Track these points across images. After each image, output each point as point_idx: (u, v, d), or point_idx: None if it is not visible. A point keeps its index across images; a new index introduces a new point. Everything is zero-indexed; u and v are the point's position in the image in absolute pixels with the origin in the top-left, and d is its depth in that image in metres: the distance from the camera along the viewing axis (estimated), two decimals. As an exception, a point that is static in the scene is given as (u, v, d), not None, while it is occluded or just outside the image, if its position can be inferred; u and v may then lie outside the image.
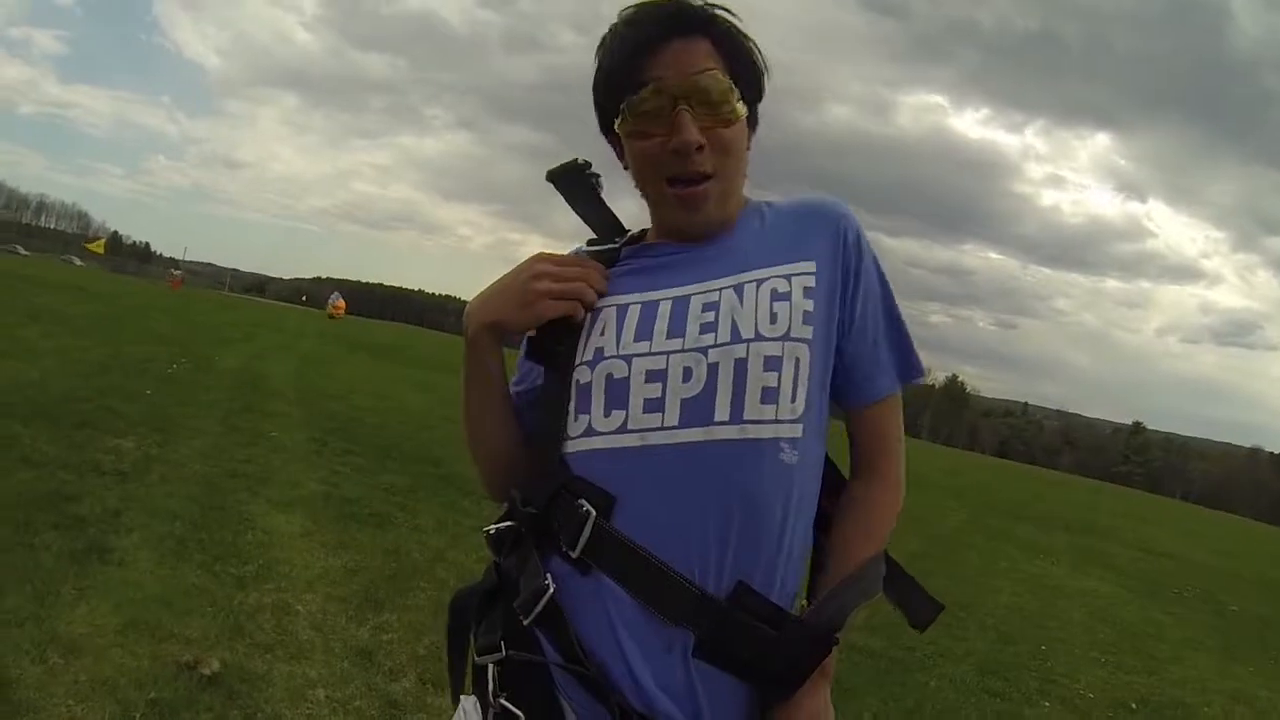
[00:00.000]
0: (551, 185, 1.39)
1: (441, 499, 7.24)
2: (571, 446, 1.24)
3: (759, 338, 1.20)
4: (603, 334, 1.26)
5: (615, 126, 1.30)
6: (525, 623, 1.18)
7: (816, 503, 1.27)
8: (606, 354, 1.24)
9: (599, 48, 1.31)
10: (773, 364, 1.19)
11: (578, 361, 1.26)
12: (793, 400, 1.20)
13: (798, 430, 1.20)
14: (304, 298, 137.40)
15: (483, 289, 1.34)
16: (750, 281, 1.25)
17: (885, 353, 1.33)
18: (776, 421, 1.19)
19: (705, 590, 1.14)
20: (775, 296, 1.24)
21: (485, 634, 1.24)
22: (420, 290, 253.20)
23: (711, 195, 1.27)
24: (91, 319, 16.48)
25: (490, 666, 1.20)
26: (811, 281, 1.26)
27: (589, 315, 1.28)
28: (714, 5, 1.28)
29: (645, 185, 1.33)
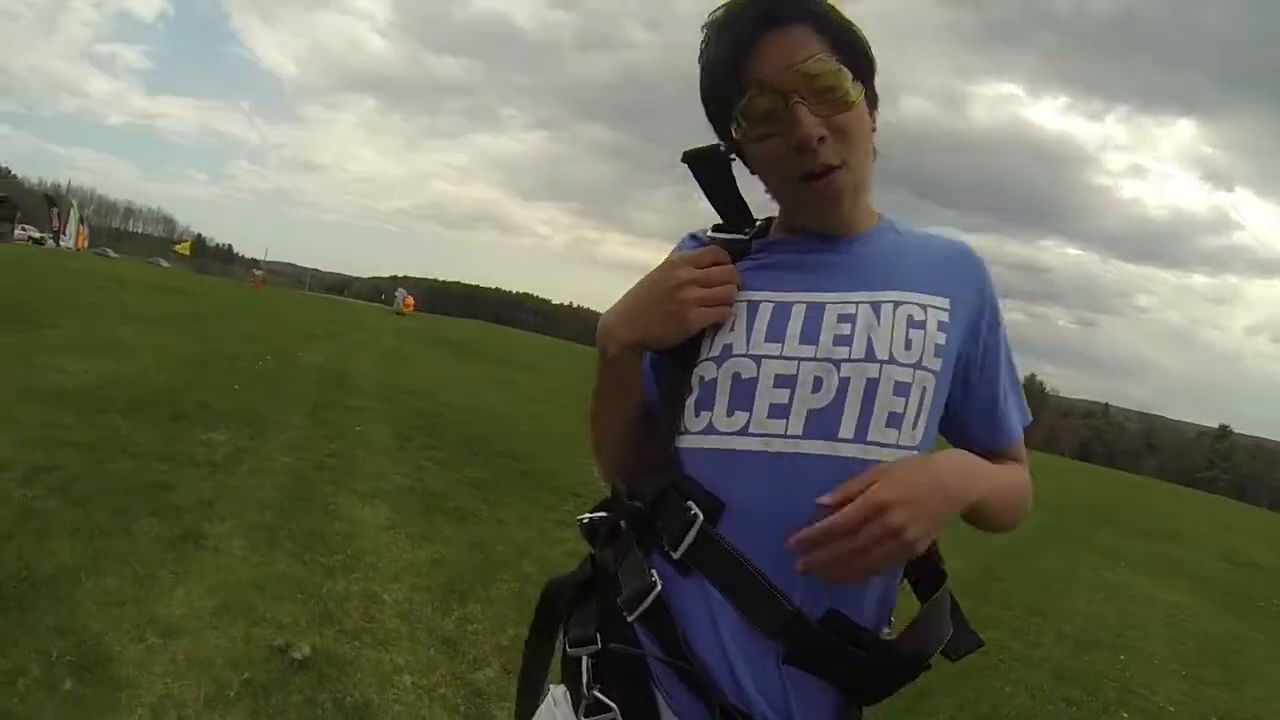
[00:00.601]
0: (686, 167, 1.31)
1: (524, 494, 7.30)
2: (687, 442, 1.20)
3: (892, 361, 1.17)
4: (732, 330, 1.21)
5: (732, 134, 1.22)
6: (630, 619, 1.16)
7: None
8: (735, 351, 1.19)
9: (699, 57, 1.25)
10: (902, 390, 1.16)
11: (703, 356, 1.22)
12: (914, 428, 1.18)
13: (914, 454, 1.18)
14: (383, 296, 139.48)
15: (617, 301, 1.28)
16: (888, 302, 1.21)
17: (1014, 399, 1.35)
18: (897, 447, 1.16)
19: (800, 609, 1.11)
20: (911, 323, 1.20)
21: (579, 625, 1.21)
22: (498, 289, 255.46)
23: (845, 185, 1.20)
24: (181, 318, 16.93)
25: (584, 658, 1.19)
26: (946, 317, 1.23)
27: None
28: None
29: (777, 189, 1.27)
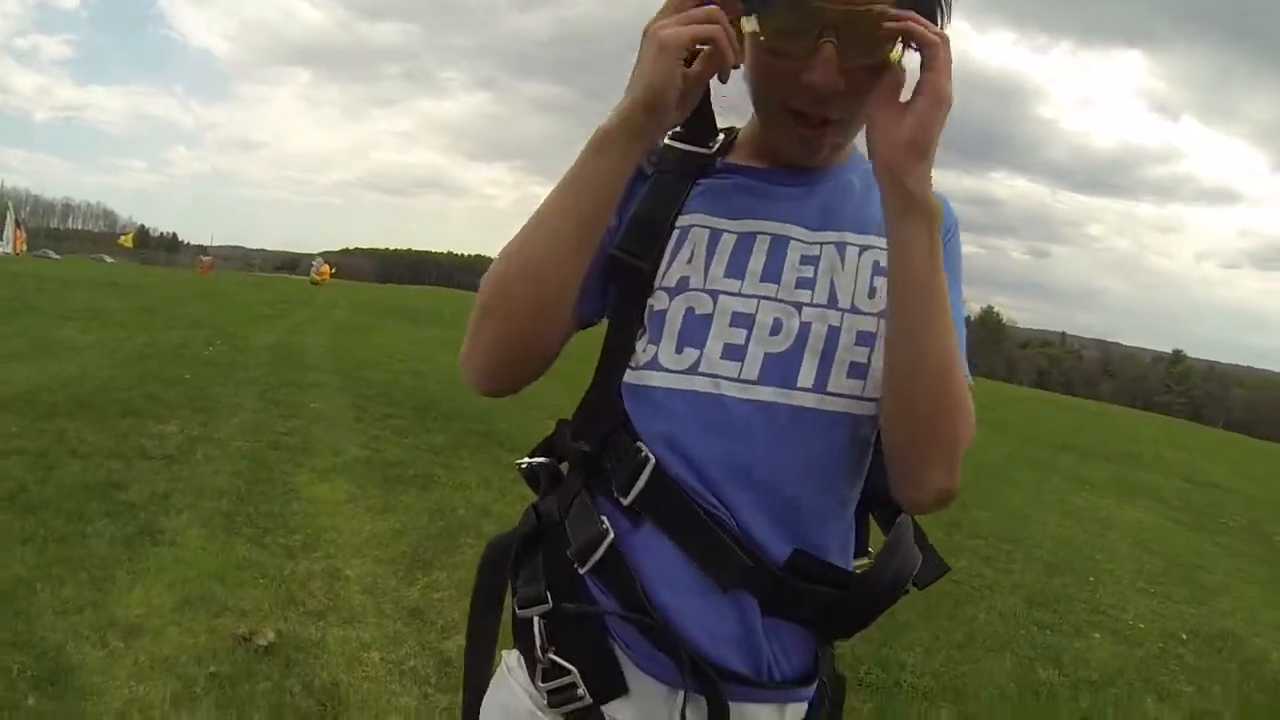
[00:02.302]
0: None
1: (484, 455, 7.30)
2: (631, 377, 1.13)
3: (855, 310, 1.11)
4: (689, 261, 1.12)
5: (741, 24, 1.04)
6: (582, 571, 1.10)
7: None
8: (692, 285, 1.11)
9: None
10: (865, 339, 1.11)
11: (657, 285, 1.12)
12: (875, 376, 1.11)
13: (873, 406, 1.12)
14: (333, 269, 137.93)
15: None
16: (853, 245, 1.14)
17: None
18: (860, 398, 1.10)
19: (761, 557, 1.06)
20: (877, 269, 1.13)
21: (527, 584, 1.15)
22: (450, 253, 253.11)
23: (830, 142, 1.13)
24: (126, 311, 16.63)
25: (536, 620, 1.12)
26: None
27: (676, 233, 1.14)
28: None
29: (758, 98, 1.14)
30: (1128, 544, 8.69)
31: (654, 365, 1.10)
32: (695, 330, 1.10)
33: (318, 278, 56.42)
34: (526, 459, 1.25)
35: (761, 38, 1.03)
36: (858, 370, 1.10)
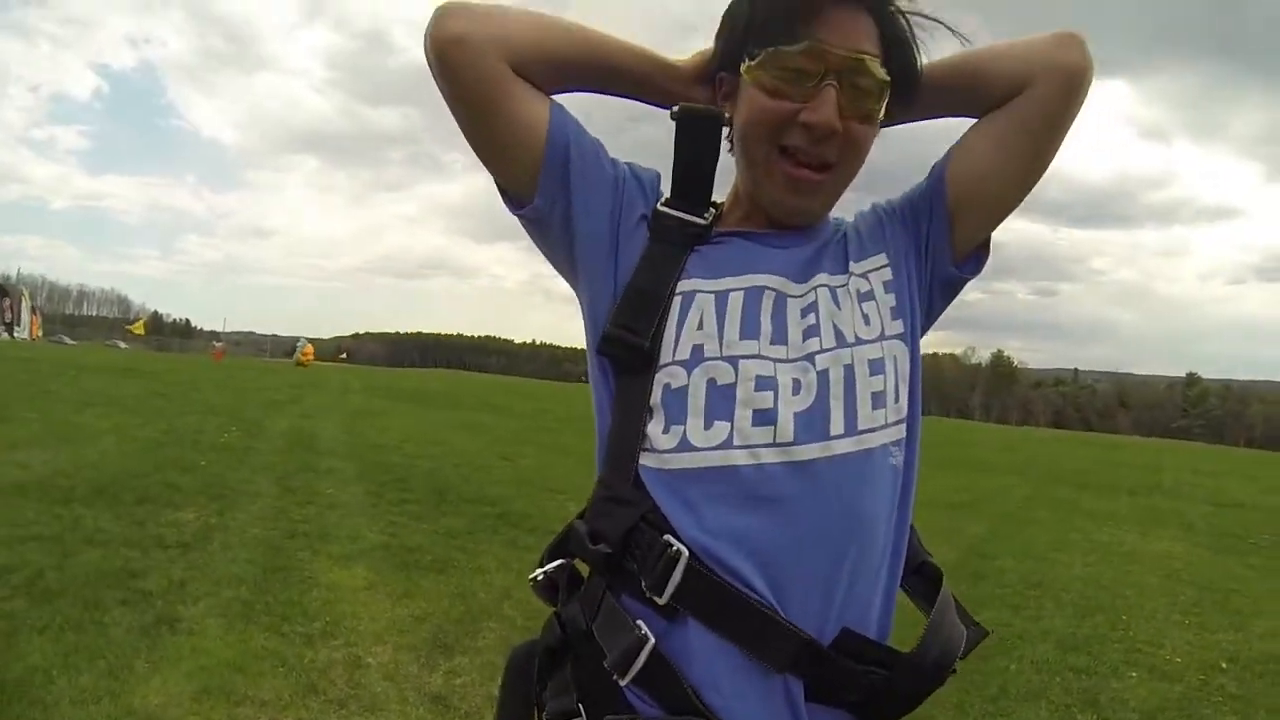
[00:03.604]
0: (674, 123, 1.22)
1: (502, 537, 7.21)
2: (656, 462, 1.08)
3: (860, 341, 1.13)
4: (700, 327, 1.11)
5: (742, 68, 1.14)
6: (623, 682, 1.04)
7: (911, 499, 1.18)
8: (708, 354, 1.09)
9: None
10: (877, 367, 1.12)
11: (667, 360, 1.10)
12: (897, 400, 1.14)
13: (902, 431, 1.14)
14: (344, 355, 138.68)
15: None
16: (839, 286, 1.17)
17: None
18: (886, 426, 1.11)
19: (811, 636, 1.03)
20: (861, 297, 1.17)
21: (556, 696, 1.11)
22: (460, 334, 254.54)
23: (823, 188, 1.17)
24: (141, 397, 16.71)
25: None
26: (889, 274, 1.20)
27: (679, 300, 1.13)
28: None
29: (751, 144, 1.16)
30: (1157, 577, 8.49)
31: (684, 447, 1.06)
32: (721, 402, 1.07)
33: (302, 358, 56.77)
34: (539, 570, 1.20)
35: (767, 78, 1.11)
36: (879, 400, 1.11)
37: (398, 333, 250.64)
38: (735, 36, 1.16)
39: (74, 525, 6.16)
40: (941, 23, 1.18)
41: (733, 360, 1.08)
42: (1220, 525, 12.83)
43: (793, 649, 1.01)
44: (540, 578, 1.19)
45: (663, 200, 1.22)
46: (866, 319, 1.15)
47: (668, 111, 1.23)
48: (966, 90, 1.21)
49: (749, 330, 1.11)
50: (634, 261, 1.16)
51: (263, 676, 3.96)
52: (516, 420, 21.26)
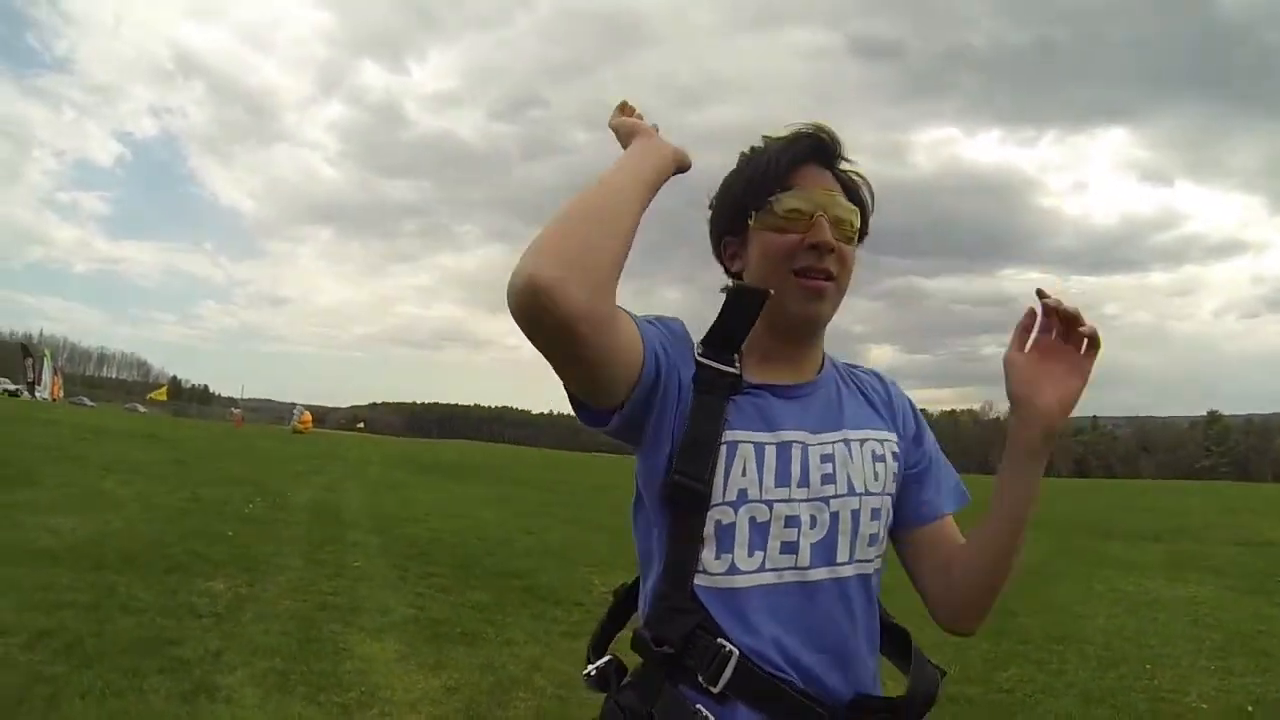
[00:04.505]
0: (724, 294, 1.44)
1: (529, 610, 7.24)
2: (710, 582, 1.31)
3: (867, 493, 1.40)
4: (744, 474, 1.33)
5: (750, 223, 1.44)
6: None
7: None
8: (750, 497, 1.33)
9: (744, 157, 1.49)
10: (876, 514, 1.42)
11: (718, 500, 1.32)
12: (881, 542, 1.44)
13: (881, 560, 1.45)
14: (361, 425, 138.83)
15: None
16: (855, 440, 1.44)
17: (946, 489, 1.56)
18: (875, 559, 1.42)
19: (833, 707, 1.30)
20: (875, 457, 1.44)
21: None
22: (477, 405, 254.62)
23: (830, 294, 1.43)
24: (164, 464, 16.84)
25: None
26: (896, 449, 1.49)
27: (725, 449, 1.33)
28: (841, 152, 1.48)
29: (769, 275, 1.41)
30: (1183, 623, 8.35)
31: (733, 570, 1.31)
32: (758, 536, 1.33)
33: (300, 426, 56.54)
34: (591, 667, 1.44)
35: (773, 221, 1.41)
36: (874, 540, 1.42)
37: (415, 403, 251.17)
38: (736, 203, 1.47)
39: (109, 592, 6.24)
40: (866, 180, 1.50)
41: (769, 503, 1.34)
42: (1249, 565, 12.53)
43: (818, 717, 1.28)
44: (594, 673, 1.43)
45: (698, 350, 1.41)
46: (876, 476, 1.43)
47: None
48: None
49: (781, 479, 1.35)
50: (687, 411, 1.35)
51: (301, 746, 4.00)
52: (538, 492, 21.29)
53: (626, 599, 1.56)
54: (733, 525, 1.31)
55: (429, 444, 72.43)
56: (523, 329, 1.16)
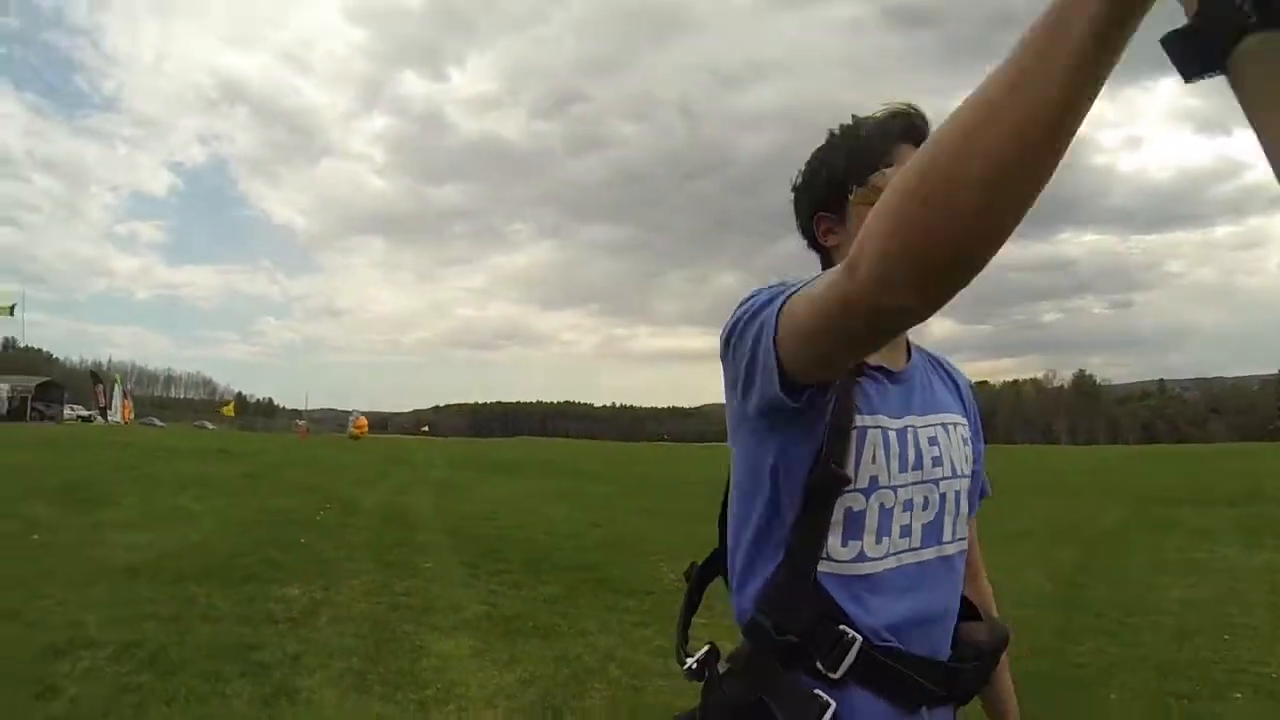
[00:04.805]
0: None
1: (600, 601, 7.28)
2: (835, 569, 1.30)
3: (961, 475, 1.44)
4: (874, 461, 1.32)
5: (851, 198, 1.44)
6: None
7: None
8: (880, 484, 1.33)
9: (836, 134, 1.49)
10: (968, 496, 1.46)
11: (851, 488, 1.30)
12: (967, 522, 1.48)
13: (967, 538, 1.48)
14: (425, 428, 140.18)
15: None
16: (950, 424, 1.47)
17: (980, 481, 1.59)
18: (965, 538, 1.45)
19: (943, 660, 1.36)
20: (963, 441, 1.48)
21: None
22: (539, 401, 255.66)
23: None
24: (235, 478, 17.13)
25: None
26: (969, 434, 1.52)
27: (855, 434, 1.31)
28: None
29: None
30: (1261, 591, 8.12)
31: (861, 558, 1.30)
32: (885, 521, 1.33)
33: (356, 431, 56.93)
34: (691, 660, 1.43)
35: (876, 196, 1.16)
36: (965, 518, 1.45)
37: (477, 403, 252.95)
38: (834, 179, 1.46)
39: (188, 603, 6.37)
40: None
41: (894, 489, 1.34)
42: None
43: (929, 695, 1.32)
44: (694, 666, 1.42)
45: None
46: (966, 458, 1.47)
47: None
48: None
49: (903, 465, 1.35)
50: (831, 402, 1.32)
51: (383, 743, 4.05)
52: (603, 484, 21.35)
53: (700, 583, 1.59)
54: (863, 513, 1.31)
55: (493, 443, 72.98)
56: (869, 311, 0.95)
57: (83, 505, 11.26)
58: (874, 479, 1.31)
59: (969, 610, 1.50)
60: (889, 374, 1.42)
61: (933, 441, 1.40)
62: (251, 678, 4.82)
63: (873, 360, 1.41)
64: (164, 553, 8.33)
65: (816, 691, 1.25)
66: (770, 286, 1.26)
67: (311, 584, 7.39)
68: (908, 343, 1.52)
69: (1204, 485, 21.16)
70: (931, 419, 1.43)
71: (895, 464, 1.34)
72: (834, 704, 1.23)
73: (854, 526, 1.30)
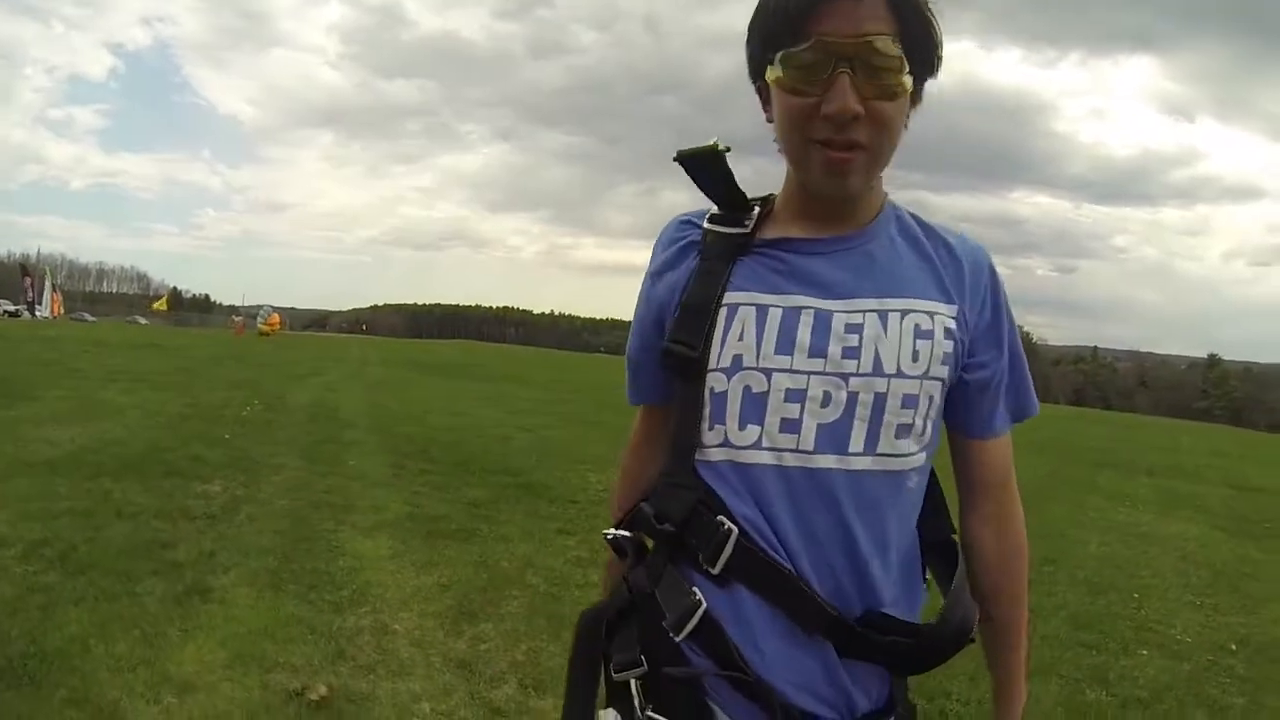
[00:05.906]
0: (663, 163, 1.31)
1: (524, 507, 7.32)
2: (704, 455, 1.22)
3: (900, 374, 1.18)
4: (740, 339, 1.20)
5: (765, 75, 1.19)
6: (679, 639, 1.19)
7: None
8: (745, 364, 1.19)
9: None
10: (910, 401, 1.19)
11: (712, 366, 1.21)
12: (922, 435, 1.22)
13: (922, 459, 1.24)
14: (364, 327, 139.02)
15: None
16: (895, 311, 1.21)
17: (1009, 394, 1.34)
18: (908, 455, 1.20)
19: (838, 612, 1.16)
20: (919, 333, 1.20)
21: (622, 650, 1.25)
22: (478, 305, 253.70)
23: (859, 167, 1.17)
24: (165, 373, 16.90)
25: (633, 682, 1.23)
26: (953, 325, 1.24)
27: (724, 311, 1.22)
28: None
29: (788, 142, 1.21)
30: (1172, 557, 8.48)
31: (725, 444, 1.20)
32: (753, 407, 1.19)
33: (265, 328, 56.16)
34: (613, 531, 1.35)
35: (785, 79, 1.15)
36: (904, 430, 1.20)
37: (416, 304, 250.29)
38: (756, 47, 1.21)
39: (104, 499, 6.29)
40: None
41: (767, 371, 1.19)
42: (1238, 509, 12.71)
43: (821, 614, 1.16)
44: (611, 537, 1.35)
45: (708, 217, 1.31)
46: (915, 356, 1.19)
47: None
48: None
49: (784, 346, 1.19)
50: (687, 280, 1.27)
51: (293, 643, 4.06)
52: (535, 390, 21.39)
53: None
54: (724, 394, 1.19)
55: (429, 344, 72.65)
56: None
57: (2, 400, 11.00)
58: (738, 358, 1.19)
59: (948, 570, 1.31)
60: (802, 245, 1.25)
61: (853, 329, 1.19)
62: (164, 576, 4.77)
63: (788, 231, 1.26)
64: (84, 448, 8.19)
65: (693, 588, 1.19)
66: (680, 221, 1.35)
67: (233, 480, 7.33)
68: (877, 212, 1.28)
69: (1127, 453, 22.00)
70: (860, 303, 1.20)
71: (770, 345, 1.19)
72: (705, 603, 1.17)
73: (718, 410, 1.20)
